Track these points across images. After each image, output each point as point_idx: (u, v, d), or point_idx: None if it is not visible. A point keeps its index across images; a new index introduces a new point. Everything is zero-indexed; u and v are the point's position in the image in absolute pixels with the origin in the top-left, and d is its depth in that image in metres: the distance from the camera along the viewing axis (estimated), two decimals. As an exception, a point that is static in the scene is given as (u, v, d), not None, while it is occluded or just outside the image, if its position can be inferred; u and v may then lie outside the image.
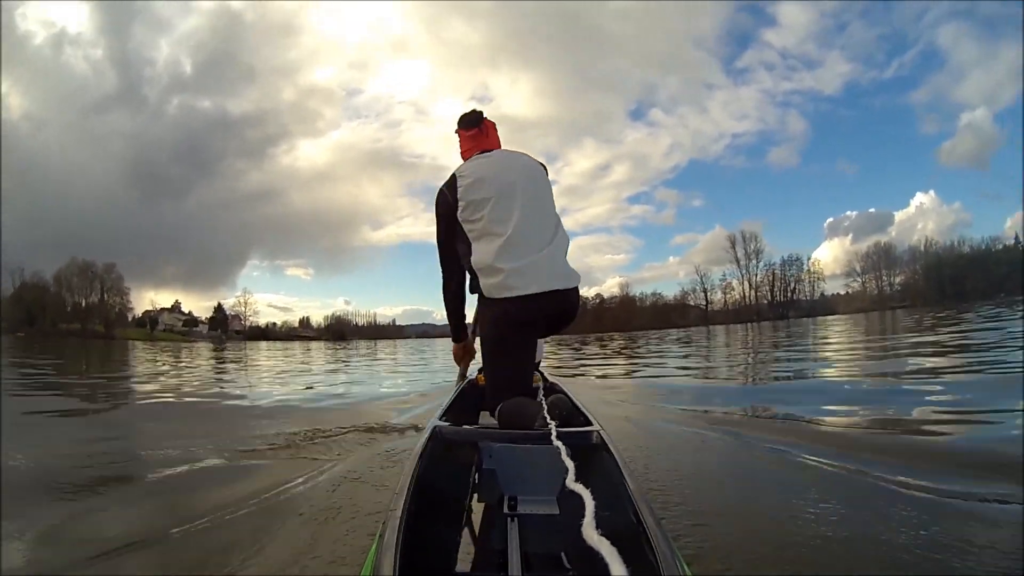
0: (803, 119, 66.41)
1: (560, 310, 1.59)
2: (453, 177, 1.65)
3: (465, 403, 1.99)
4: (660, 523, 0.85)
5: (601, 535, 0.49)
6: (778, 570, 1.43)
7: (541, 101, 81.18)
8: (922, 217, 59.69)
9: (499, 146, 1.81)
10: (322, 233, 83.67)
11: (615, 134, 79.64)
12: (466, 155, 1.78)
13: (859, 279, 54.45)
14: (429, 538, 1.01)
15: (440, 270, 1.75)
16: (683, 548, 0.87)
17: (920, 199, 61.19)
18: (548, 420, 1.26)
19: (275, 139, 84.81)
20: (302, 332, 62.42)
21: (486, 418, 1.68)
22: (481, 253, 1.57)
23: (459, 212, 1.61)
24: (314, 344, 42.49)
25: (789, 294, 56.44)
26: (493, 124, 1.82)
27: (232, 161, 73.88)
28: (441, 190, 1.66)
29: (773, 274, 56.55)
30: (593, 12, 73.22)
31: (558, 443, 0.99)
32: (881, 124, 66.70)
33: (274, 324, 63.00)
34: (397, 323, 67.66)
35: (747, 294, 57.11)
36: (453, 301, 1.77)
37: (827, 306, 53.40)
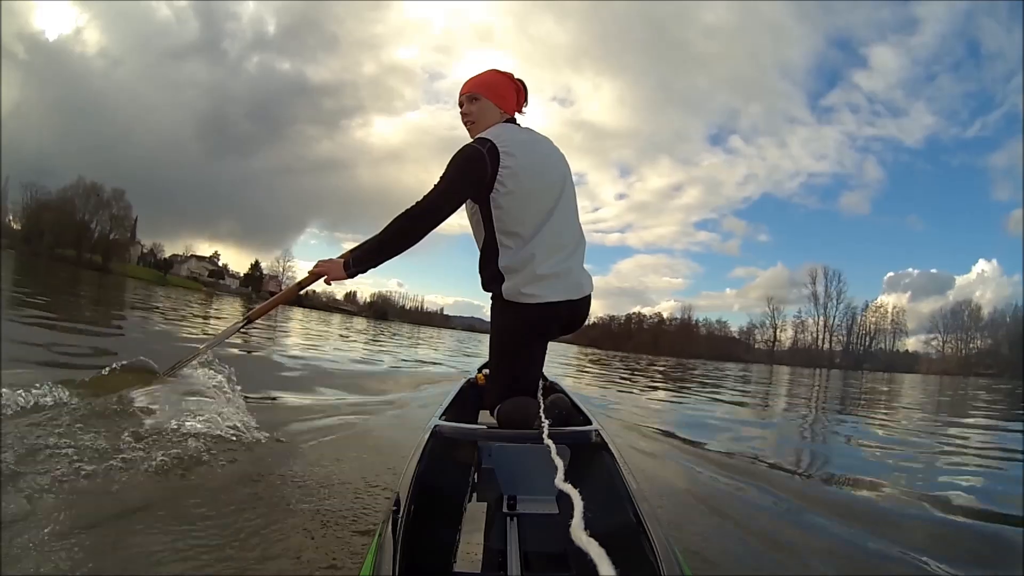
0: (880, 167, 65.39)
1: (573, 317, 1.59)
2: (494, 147, 1.45)
3: (465, 402, 2.03)
4: (660, 522, 0.86)
5: (591, 535, 0.49)
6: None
7: (621, 111, 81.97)
8: (982, 285, 57.39)
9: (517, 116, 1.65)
10: (384, 212, 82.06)
11: (692, 156, 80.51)
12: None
13: (940, 337, 50.87)
14: (428, 537, 1.04)
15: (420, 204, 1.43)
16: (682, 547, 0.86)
17: (983, 266, 59.18)
18: (543, 419, 1.27)
19: (350, 112, 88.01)
20: (342, 305, 62.36)
21: (485, 417, 1.70)
22: (510, 252, 1.49)
23: (493, 194, 1.45)
24: (356, 320, 41.83)
25: (868, 342, 53.35)
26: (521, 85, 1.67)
27: (304, 127, 77.94)
28: (481, 153, 1.43)
29: (853, 318, 53.62)
30: (682, 26, 74.24)
31: (548, 441, 1.01)
32: (955, 183, 65.61)
33: (314, 292, 62.28)
34: (445, 312, 68.98)
35: (821, 336, 54.22)
36: (412, 228, 1.45)
37: (906, 363, 50.03)
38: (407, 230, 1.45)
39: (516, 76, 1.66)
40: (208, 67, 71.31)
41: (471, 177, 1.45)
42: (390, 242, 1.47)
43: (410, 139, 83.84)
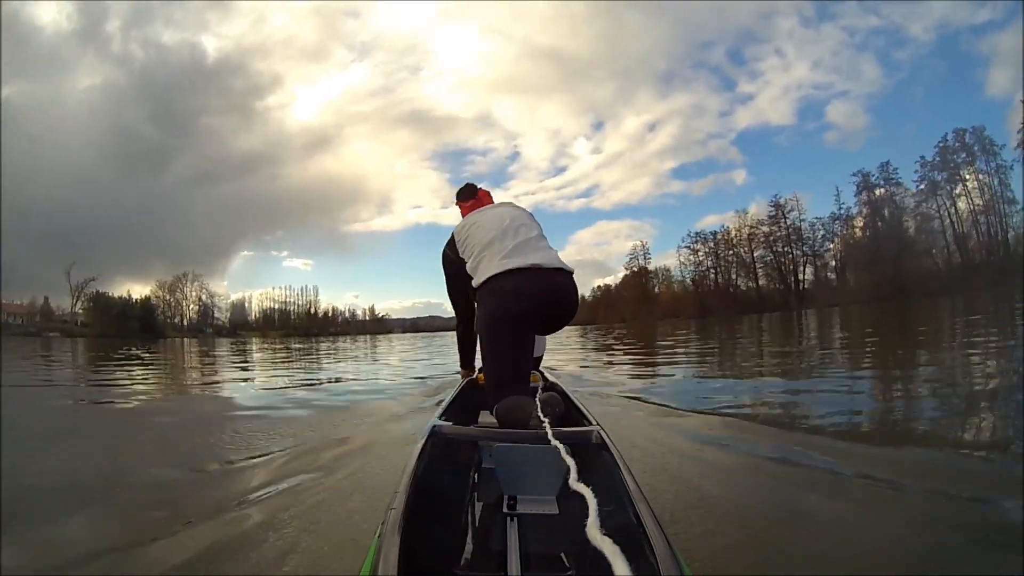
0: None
1: (554, 296, 1.67)
2: (452, 236, 1.93)
3: (465, 402, 2.05)
4: (660, 523, 0.87)
5: (604, 535, 0.51)
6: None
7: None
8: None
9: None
10: (318, 216, 78.26)
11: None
12: None
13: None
14: (429, 537, 1.05)
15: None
16: (682, 547, 0.87)
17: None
18: (542, 418, 1.28)
19: (264, 88, 72.28)
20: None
21: (486, 417, 1.72)
22: (476, 271, 1.77)
23: (462, 259, 1.85)
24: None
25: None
26: (487, 192, 2.15)
27: (213, 120, 66.02)
28: (444, 251, 1.96)
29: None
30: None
31: (556, 442, 1.01)
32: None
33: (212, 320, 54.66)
34: (385, 316, 64.53)
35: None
36: (464, 339, 2.25)
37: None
38: (458, 329, 2.21)
39: (459, 192, 2.16)
40: (95, 64, 62.36)
41: (450, 270, 1.98)
42: (461, 345, 2.28)
43: (343, 112, 72.06)
